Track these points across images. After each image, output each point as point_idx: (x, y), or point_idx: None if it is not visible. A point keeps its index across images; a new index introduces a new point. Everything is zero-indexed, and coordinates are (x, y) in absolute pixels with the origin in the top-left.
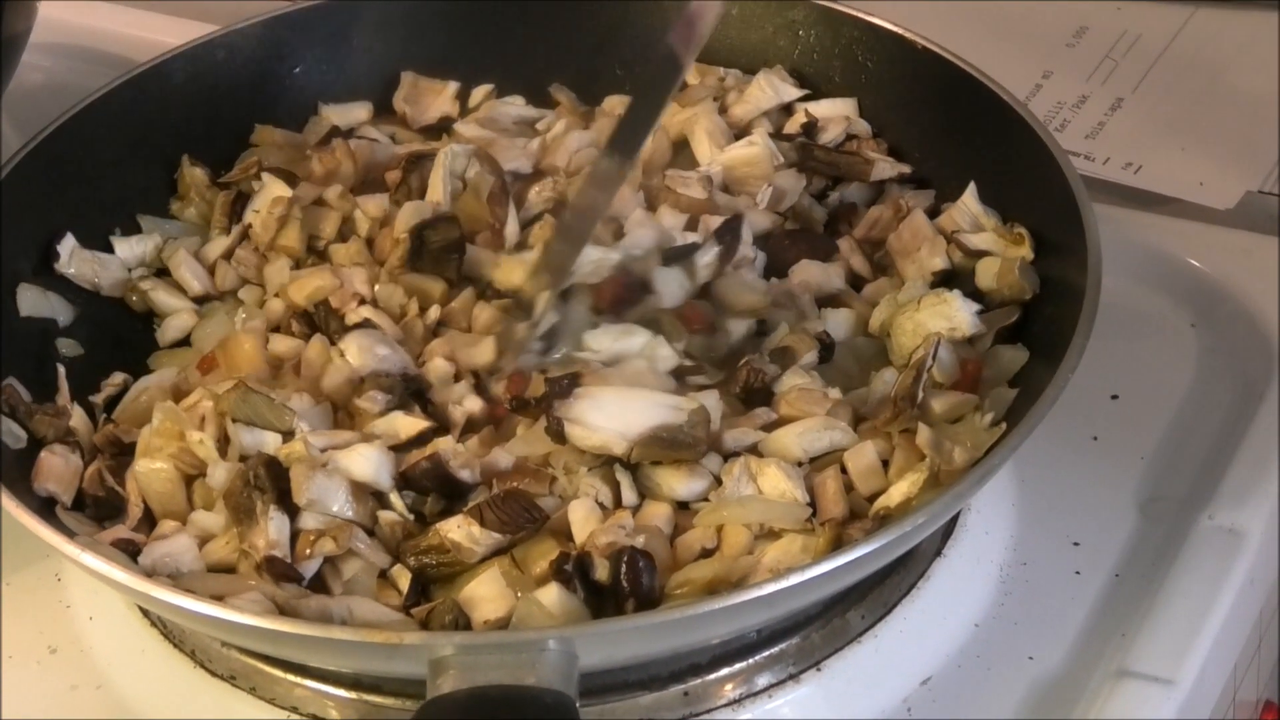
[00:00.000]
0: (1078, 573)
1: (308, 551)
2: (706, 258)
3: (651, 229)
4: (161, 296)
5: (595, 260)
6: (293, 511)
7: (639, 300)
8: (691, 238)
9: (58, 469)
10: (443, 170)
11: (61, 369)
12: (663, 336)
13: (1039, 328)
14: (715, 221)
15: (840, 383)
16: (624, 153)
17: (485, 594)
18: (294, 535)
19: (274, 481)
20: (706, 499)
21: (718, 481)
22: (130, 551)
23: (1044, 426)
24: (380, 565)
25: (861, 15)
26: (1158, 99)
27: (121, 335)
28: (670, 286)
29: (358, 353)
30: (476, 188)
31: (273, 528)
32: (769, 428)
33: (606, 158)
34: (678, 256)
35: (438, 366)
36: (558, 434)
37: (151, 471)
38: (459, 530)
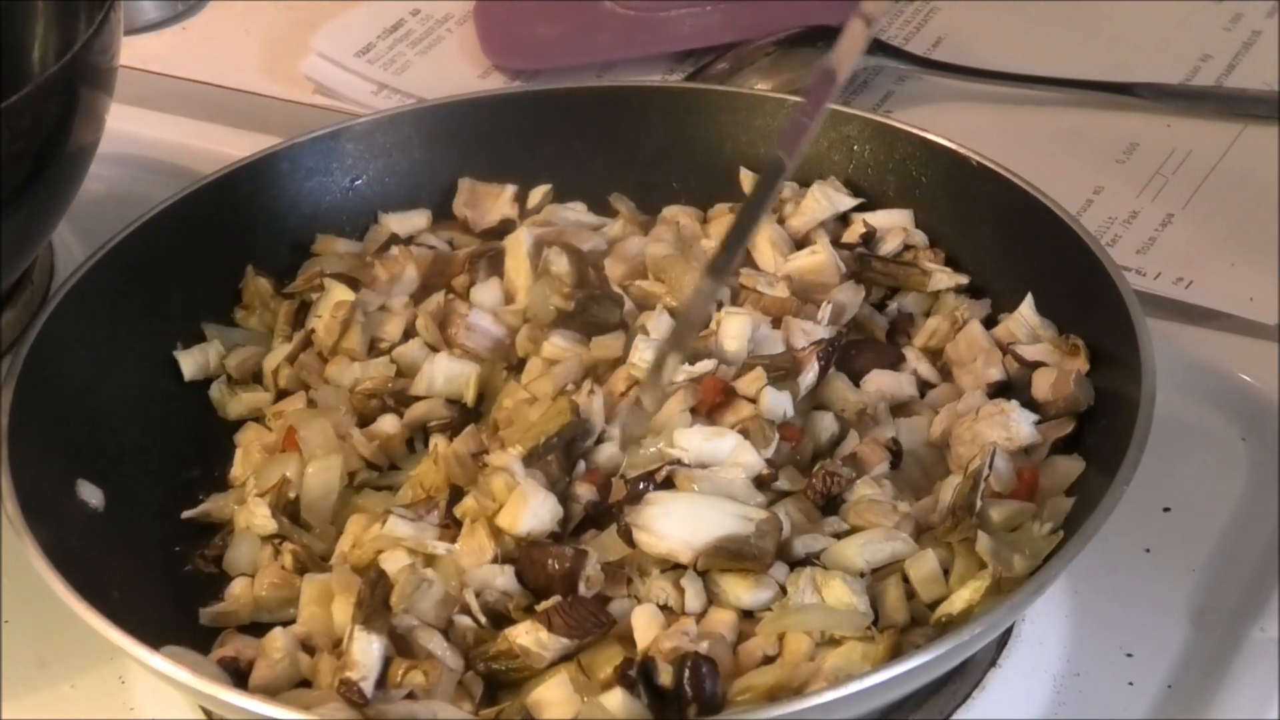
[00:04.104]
0: (1131, 684)
1: (398, 680)
2: (808, 378)
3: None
4: (242, 401)
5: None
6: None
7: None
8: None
9: None
10: (523, 250)
11: None
12: (749, 442)
13: (1094, 439)
14: (799, 325)
15: (906, 490)
16: (730, 255)
17: (553, 698)
18: (388, 660)
19: (373, 594)
20: (770, 608)
21: (783, 590)
22: (233, 670)
23: (1097, 538)
24: (459, 671)
25: (916, 131)
26: (1208, 215)
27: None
28: (776, 407)
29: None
30: (553, 275)
31: (357, 649)
32: (836, 536)
33: (710, 274)
34: (782, 377)
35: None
36: (627, 539)
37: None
38: (527, 636)
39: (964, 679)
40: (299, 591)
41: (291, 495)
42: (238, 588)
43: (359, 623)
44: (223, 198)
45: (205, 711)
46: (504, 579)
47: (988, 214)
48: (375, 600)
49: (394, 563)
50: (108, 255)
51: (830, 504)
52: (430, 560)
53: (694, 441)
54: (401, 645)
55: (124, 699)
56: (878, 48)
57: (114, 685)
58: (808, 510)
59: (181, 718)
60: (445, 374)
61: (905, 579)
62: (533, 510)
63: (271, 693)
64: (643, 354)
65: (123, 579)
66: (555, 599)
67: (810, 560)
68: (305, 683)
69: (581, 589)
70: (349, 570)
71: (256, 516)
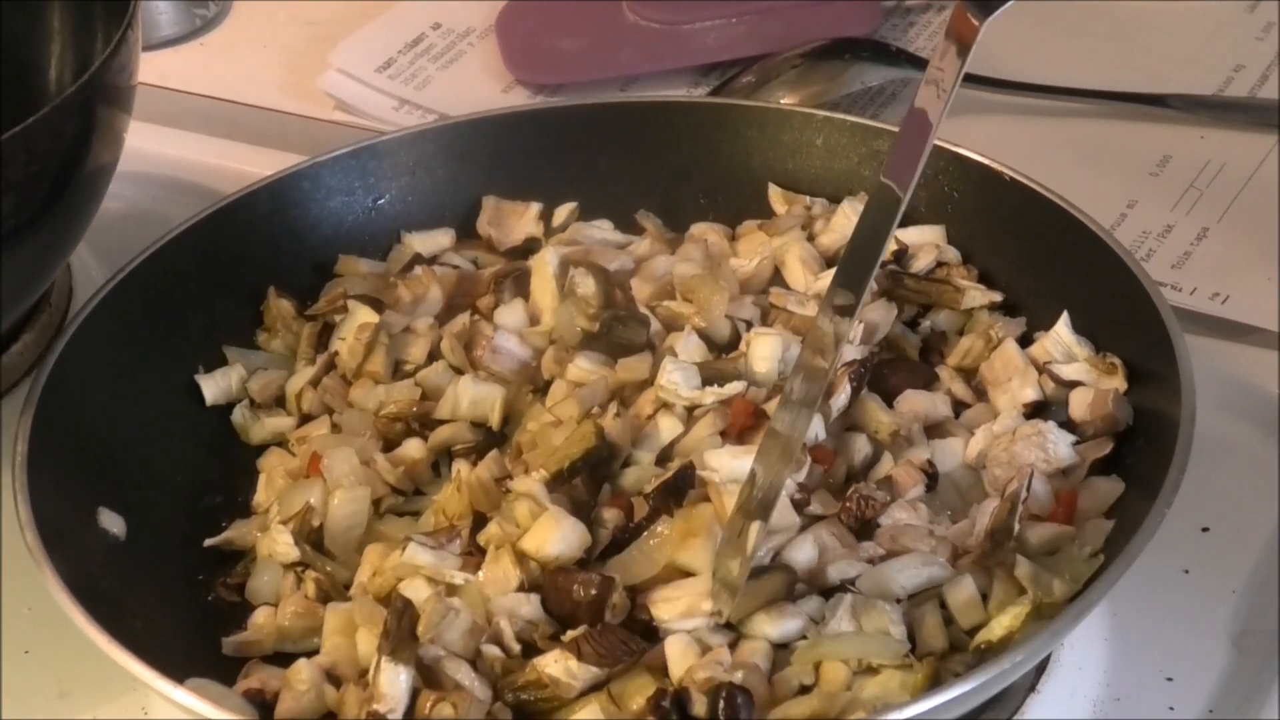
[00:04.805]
0: (1171, 709)
1: (427, 711)
2: (841, 400)
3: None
4: (265, 426)
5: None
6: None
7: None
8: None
9: None
10: (549, 270)
11: None
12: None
13: (1133, 460)
14: None
15: (941, 513)
16: (853, 293)
17: None
18: (415, 691)
19: (399, 624)
20: (804, 636)
21: (814, 621)
22: (258, 702)
23: (1135, 561)
24: (487, 702)
25: (947, 145)
26: (1243, 228)
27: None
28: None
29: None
30: (579, 296)
31: (384, 680)
32: (871, 561)
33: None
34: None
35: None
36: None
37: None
38: (556, 665)
39: (1003, 705)
40: (322, 621)
41: (315, 523)
42: (260, 617)
43: (385, 653)
44: (244, 218)
45: None
46: (529, 607)
47: (1021, 230)
48: (402, 630)
49: (414, 591)
50: (127, 277)
51: (864, 528)
52: (453, 589)
53: (722, 461)
54: (428, 676)
55: None
56: (905, 60)
57: (137, 716)
58: (841, 534)
59: None
60: (471, 397)
61: (943, 604)
62: (562, 535)
63: None
64: (670, 376)
65: (145, 608)
66: (583, 628)
67: (845, 587)
68: (331, 715)
69: (608, 616)
70: (370, 600)
71: (279, 544)
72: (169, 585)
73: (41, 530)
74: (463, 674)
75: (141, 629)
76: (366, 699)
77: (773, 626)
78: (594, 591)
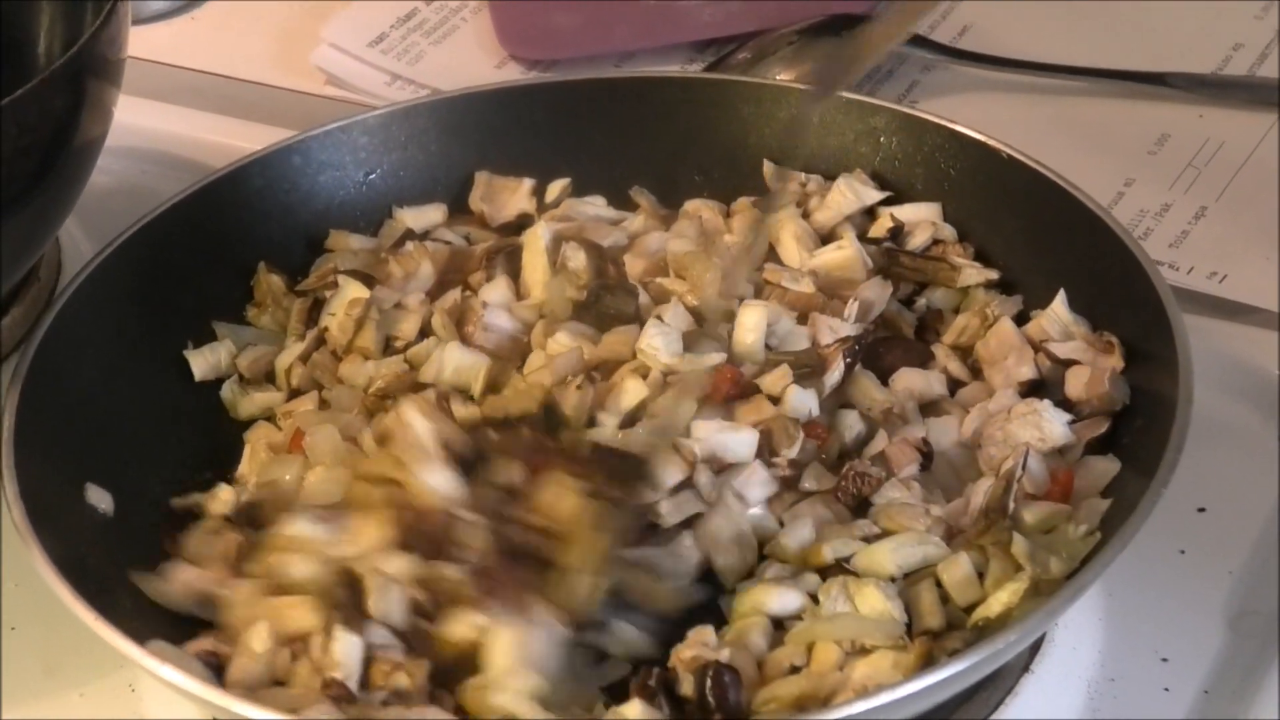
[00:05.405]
0: (1167, 689)
1: (382, 681)
2: (833, 377)
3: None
4: (253, 400)
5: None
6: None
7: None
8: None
9: None
10: (540, 245)
11: None
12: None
13: (1129, 439)
14: (825, 322)
15: (936, 492)
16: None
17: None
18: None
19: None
20: (800, 617)
21: (814, 600)
22: (213, 665)
23: (1131, 540)
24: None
25: (944, 122)
26: (1241, 207)
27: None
28: (801, 405)
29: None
30: (569, 270)
31: (338, 649)
32: (867, 539)
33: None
34: (807, 375)
35: None
36: None
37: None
38: (462, 625)
39: (997, 686)
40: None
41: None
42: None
43: (338, 623)
44: (234, 193)
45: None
46: (402, 561)
47: (1018, 208)
48: (348, 602)
49: (300, 568)
50: (116, 252)
51: (860, 506)
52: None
53: (709, 432)
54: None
55: (134, 707)
56: None
57: (124, 693)
58: (839, 512)
59: None
60: (455, 363)
61: (938, 583)
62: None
63: (249, 689)
64: (651, 340)
65: (132, 585)
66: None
67: (841, 566)
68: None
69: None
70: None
71: (218, 499)
72: (156, 561)
73: (28, 506)
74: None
75: (129, 606)
76: (321, 668)
77: (773, 600)
78: (447, 525)
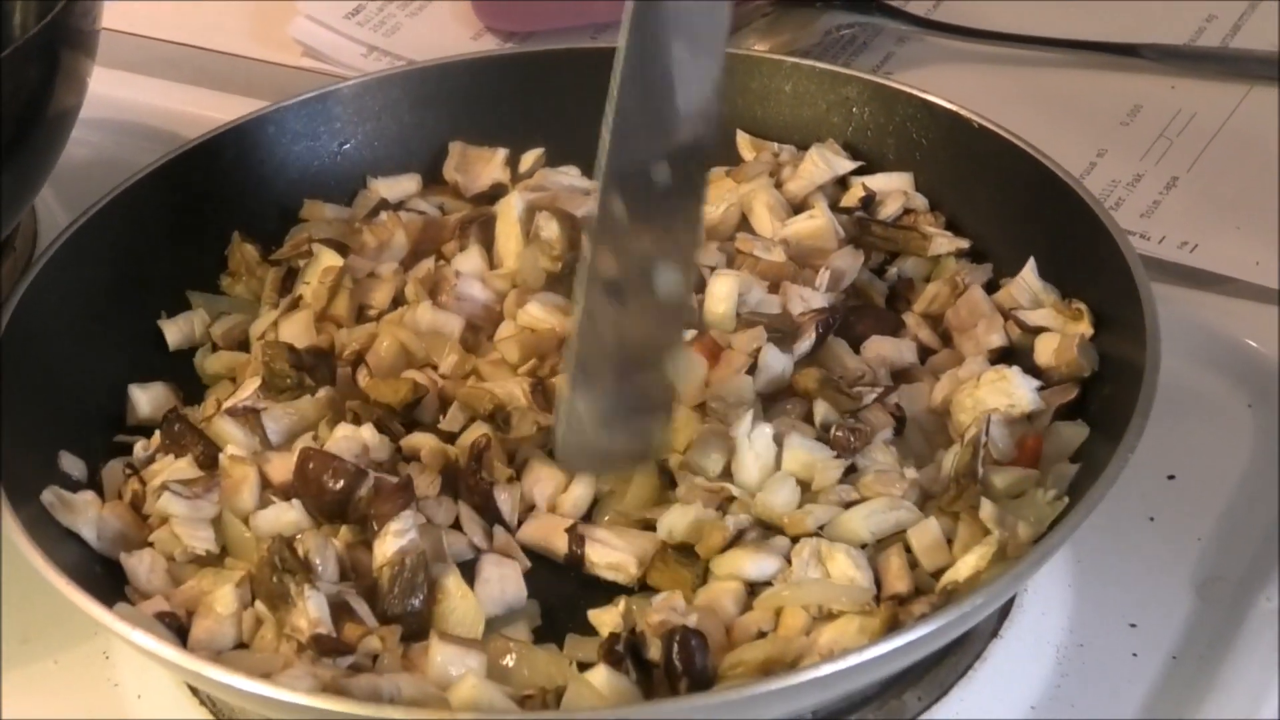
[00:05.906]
0: (1135, 655)
1: (355, 643)
2: (804, 345)
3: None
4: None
5: None
6: None
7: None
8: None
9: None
10: (514, 215)
11: None
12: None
13: (1097, 405)
14: (797, 291)
15: (909, 459)
16: None
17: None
18: (337, 617)
19: (300, 560)
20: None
21: (787, 562)
22: (174, 626)
23: (1100, 507)
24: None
25: (916, 92)
26: (1213, 178)
27: None
28: (775, 365)
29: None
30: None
31: (312, 606)
32: (844, 505)
33: None
34: (780, 339)
35: None
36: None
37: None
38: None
39: (965, 651)
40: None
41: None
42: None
43: (306, 583)
44: (208, 162)
45: (189, 685)
46: (294, 513)
47: (989, 177)
48: (296, 563)
49: (164, 544)
50: (90, 221)
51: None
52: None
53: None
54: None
55: (108, 674)
56: (877, 8)
57: (98, 660)
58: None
59: (166, 691)
60: (428, 324)
61: (908, 548)
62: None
63: (214, 651)
64: None
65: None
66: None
67: (815, 531)
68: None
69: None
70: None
71: (137, 446)
72: None
73: (3, 474)
74: (363, 609)
75: (103, 574)
76: (290, 630)
77: (752, 564)
78: (343, 482)
